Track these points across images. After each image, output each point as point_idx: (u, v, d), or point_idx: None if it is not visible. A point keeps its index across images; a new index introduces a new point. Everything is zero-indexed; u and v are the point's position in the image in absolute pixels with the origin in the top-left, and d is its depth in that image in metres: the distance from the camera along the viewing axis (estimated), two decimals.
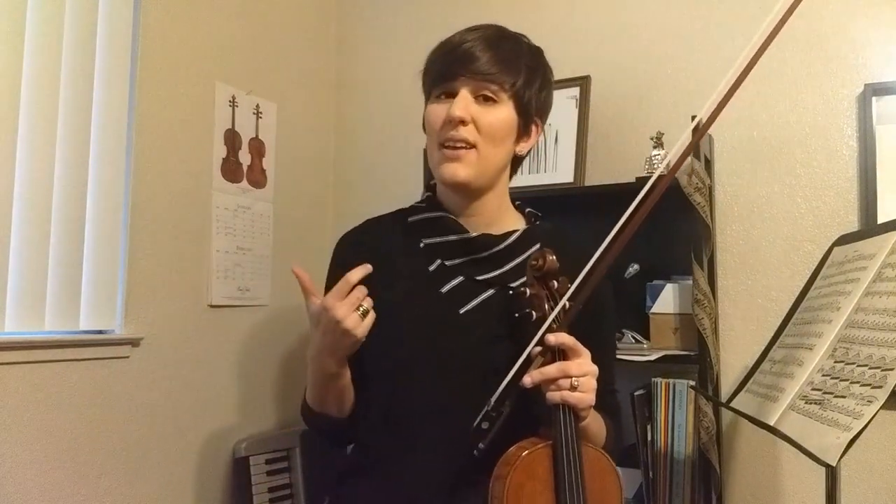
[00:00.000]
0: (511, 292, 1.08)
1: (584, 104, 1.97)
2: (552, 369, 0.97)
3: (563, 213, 2.01)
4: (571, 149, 1.94)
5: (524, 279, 1.08)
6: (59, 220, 1.66)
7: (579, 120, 1.96)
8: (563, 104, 1.98)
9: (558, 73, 2.07)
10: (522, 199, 1.24)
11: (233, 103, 2.09)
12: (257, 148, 2.17)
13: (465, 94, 1.08)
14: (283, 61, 2.31)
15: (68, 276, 1.68)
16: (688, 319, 1.71)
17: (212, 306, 2.01)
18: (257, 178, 2.17)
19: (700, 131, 1.07)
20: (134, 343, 1.79)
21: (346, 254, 1.20)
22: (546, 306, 1.01)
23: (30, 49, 1.61)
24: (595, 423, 1.08)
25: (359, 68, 2.51)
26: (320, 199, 2.48)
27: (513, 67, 1.10)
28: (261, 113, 2.19)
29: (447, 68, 1.10)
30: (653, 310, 1.81)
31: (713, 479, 1.63)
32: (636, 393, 1.72)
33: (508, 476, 0.95)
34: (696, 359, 1.65)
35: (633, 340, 1.87)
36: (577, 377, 0.97)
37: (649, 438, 1.69)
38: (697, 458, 1.64)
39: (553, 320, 0.99)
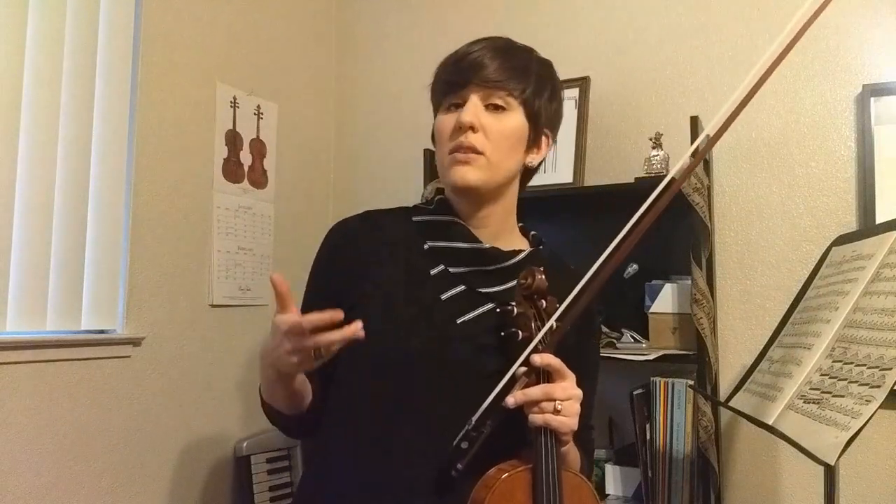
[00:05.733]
0: (498, 310, 1.05)
1: (583, 105, 1.97)
2: (536, 391, 0.95)
3: (563, 213, 2.04)
4: (571, 149, 1.95)
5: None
6: (61, 221, 1.67)
7: (579, 120, 1.96)
8: (563, 105, 1.99)
9: (558, 74, 2.10)
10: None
11: (234, 104, 2.09)
12: (258, 148, 2.18)
13: (475, 101, 1.06)
14: (284, 62, 2.31)
15: (70, 276, 1.68)
16: (686, 319, 1.71)
17: (213, 306, 2.02)
18: (258, 179, 2.18)
19: (705, 149, 1.04)
20: (135, 342, 1.80)
21: (339, 242, 1.15)
22: (532, 325, 0.99)
23: (31, 50, 1.62)
24: (573, 452, 1.06)
25: (359, 68, 2.52)
26: (321, 199, 2.48)
27: (522, 75, 1.09)
28: (262, 113, 2.19)
29: (456, 77, 1.08)
30: (652, 309, 1.82)
31: (712, 478, 1.64)
32: (635, 392, 1.73)
33: (486, 499, 0.93)
34: (695, 358, 1.66)
35: (632, 340, 1.88)
36: (560, 400, 0.95)
37: (648, 438, 1.69)
38: (696, 458, 1.64)
39: (540, 341, 0.97)
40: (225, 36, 2.08)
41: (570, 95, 1.99)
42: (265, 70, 2.22)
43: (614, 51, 2.08)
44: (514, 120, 1.08)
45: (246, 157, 2.14)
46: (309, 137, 2.43)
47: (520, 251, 1.13)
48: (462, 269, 1.10)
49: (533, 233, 1.21)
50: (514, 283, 1.08)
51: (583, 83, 1.99)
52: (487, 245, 1.11)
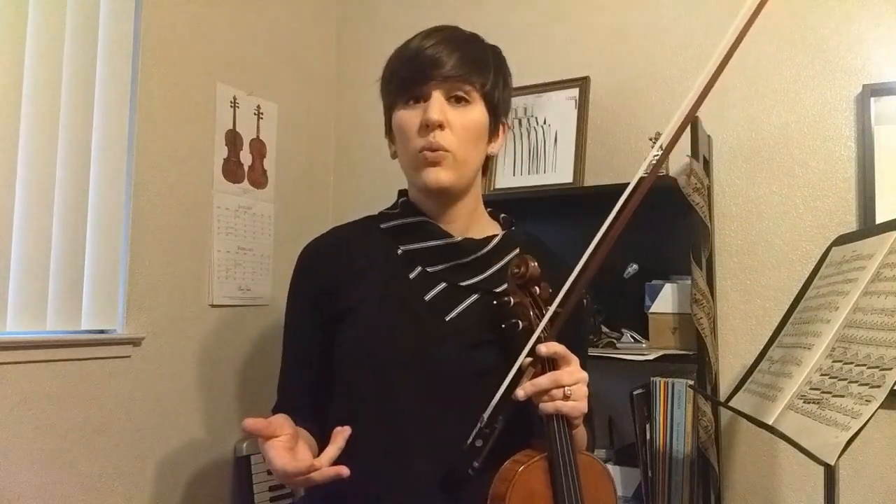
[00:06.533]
0: (495, 302, 1.05)
1: (583, 105, 1.97)
2: (544, 380, 0.95)
3: (563, 213, 2.03)
4: (571, 149, 1.95)
5: (506, 286, 1.05)
6: (61, 220, 1.67)
7: (578, 120, 1.96)
8: (563, 105, 1.99)
9: (558, 74, 2.11)
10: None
11: (234, 104, 2.09)
12: (258, 148, 2.18)
13: (438, 97, 1.06)
14: (284, 62, 2.31)
15: (70, 276, 1.68)
16: (686, 319, 1.71)
17: (213, 306, 2.02)
18: (258, 179, 2.18)
19: (675, 135, 1.04)
20: (135, 343, 1.80)
21: (312, 263, 1.16)
22: (531, 314, 0.99)
23: (31, 50, 1.62)
24: (581, 429, 1.06)
25: (359, 68, 2.52)
26: (321, 199, 2.48)
27: (482, 67, 1.09)
28: (262, 113, 2.19)
29: (416, 73, 1.08)
30: (652, 309, 1.82)
31: (712, 478, 1.64)
32: (635, 392, 1.73)
33: (507, 494, 0.93)
34: (695, 358, 1.66)
35: (632, 340, 1.88)
36: (569, 386, 0.95)
37: (648, 438, 1.69)
38: (696, 458, 1.64)
39: (542, 329, 0.97)
40: (225, 36, 2.08)
41: (570, 95, 1.99)
42: (265, 70, 2.22)
43: (614, 51, 2.08)
44: (477, 112, 1.09)
45: (246, 157, 2.14)
46: (309, 137, 2.43)
47: (493, 236, 1.13)
48: (439, 267, 1.10)
49: (503, 215, 1.21)
50: (493, 270, 1.10)
51: (583, 83, 1.99)
52: (460, 238, 1.11)
